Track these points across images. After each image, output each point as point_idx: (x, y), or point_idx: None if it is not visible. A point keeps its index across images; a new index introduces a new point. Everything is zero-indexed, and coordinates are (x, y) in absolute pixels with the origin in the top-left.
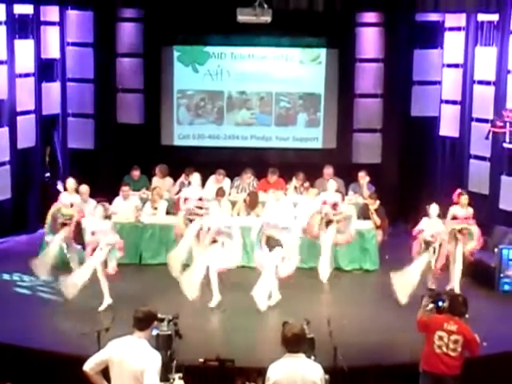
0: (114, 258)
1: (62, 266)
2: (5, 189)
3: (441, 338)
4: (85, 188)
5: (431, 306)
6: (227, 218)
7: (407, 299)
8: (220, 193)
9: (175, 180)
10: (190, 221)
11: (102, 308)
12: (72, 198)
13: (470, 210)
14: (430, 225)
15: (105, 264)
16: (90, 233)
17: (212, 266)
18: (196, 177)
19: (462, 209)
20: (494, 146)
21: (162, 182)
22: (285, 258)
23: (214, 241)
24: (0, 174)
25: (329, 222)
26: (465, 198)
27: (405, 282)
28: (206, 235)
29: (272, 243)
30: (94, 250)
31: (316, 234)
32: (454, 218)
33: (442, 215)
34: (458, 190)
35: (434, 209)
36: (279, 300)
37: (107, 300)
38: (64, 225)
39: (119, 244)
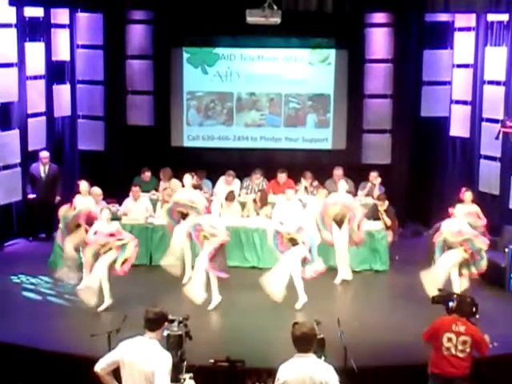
0: (123, 256)
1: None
2: (16, 191)
3: (449, 339)
4: (98, 190)
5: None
6: (219, 219)
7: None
8: (230, 197)
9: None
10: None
11: (101, 308)
12: (86, 200)
13: (475, 207)
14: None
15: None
16: (92, 232)
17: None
18: (187, 178)
19: (464, 206)
20: (504, 146)
21: (168, 185)
22: (307, 258)
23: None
24: (11, 176)
25: (341, 222)
26: (468, 195)
27: (433, 279)
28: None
29: (293, 242)
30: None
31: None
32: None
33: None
34: (463, 188)
35: (459, 210)
36: (289, 301)
37: (107, 301)
38: (79, 226)
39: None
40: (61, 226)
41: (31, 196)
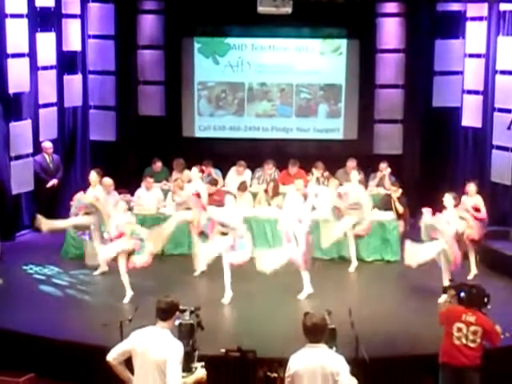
0: (144, 251)
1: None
2: (27, 181)
3: (459, 329)
4: (108, 181)
5: (452, 293)
6: (234, 212)
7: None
8: (242, 187)
9: None
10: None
11: (126, 301)
12: (95, 191)
13: (479, 199)
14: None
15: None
16: (114, 227)
17: (225, 259)
18: (194, 171)
19: (469, 198)
20: None
21: (180, 176)
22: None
23: (224, 233)
24: (23, 167)
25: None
26: (471, 186)
27: (417, 253)
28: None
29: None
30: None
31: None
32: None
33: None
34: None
35: (448, 199)
36: (300, 291)
37: (129, 293)
38: (87, 214)
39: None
40: (72, 209)
41: (55, 181)
